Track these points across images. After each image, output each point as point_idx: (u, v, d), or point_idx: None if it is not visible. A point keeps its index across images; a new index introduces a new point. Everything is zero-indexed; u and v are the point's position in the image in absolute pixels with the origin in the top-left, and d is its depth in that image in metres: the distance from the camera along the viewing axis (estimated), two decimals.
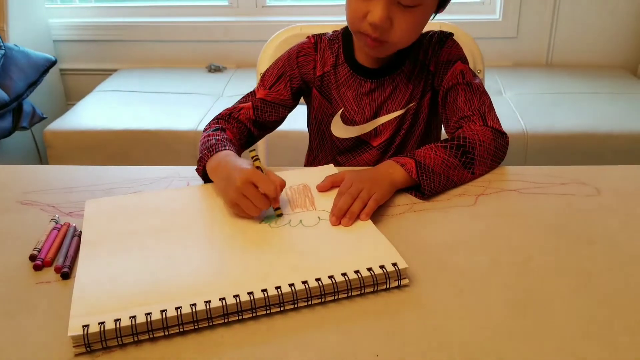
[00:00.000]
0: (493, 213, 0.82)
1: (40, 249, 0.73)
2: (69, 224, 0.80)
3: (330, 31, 1.09)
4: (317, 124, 1.10)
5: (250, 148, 1.01)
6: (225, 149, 0.88)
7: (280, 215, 0.79)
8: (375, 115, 1.05)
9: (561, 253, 0.73)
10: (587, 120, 1.88)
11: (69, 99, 2.55)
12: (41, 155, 2.20)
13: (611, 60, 2.39)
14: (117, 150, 1.92)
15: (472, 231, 0.78)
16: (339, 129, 1.07)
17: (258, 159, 0.83)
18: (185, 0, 2.52)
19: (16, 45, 2.01)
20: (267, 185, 0.77)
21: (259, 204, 0.77)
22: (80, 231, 0.77)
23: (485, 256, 0.72)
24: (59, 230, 0.78)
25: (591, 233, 0.77)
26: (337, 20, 1.17)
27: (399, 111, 1.04)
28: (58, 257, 0.72)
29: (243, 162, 0.82)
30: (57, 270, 0.70)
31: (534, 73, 2.32)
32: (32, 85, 1.99)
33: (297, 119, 1.15)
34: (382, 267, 0.66)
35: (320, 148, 1.13)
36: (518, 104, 2.01)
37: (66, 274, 0.69)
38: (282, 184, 0.80)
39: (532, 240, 0.75)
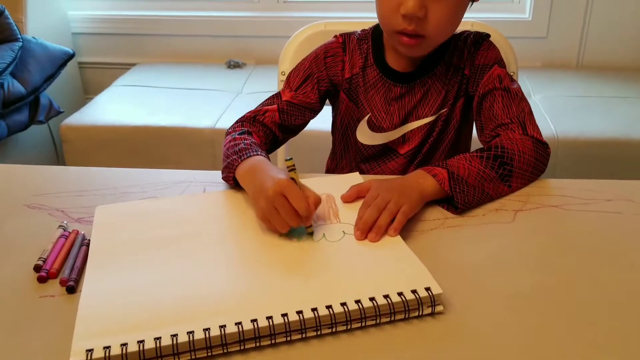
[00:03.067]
0: (534, 231, 0.76)
1: (46, 259, 0.69)
2: (77, 232, 0.75)
3: (356, 29, 1.03)
4: (343, 128, 1.05)
5: (288, 157, 0.95)
6: (258, 154, 0.82)
7: (311, 233, 0.72)
8: (404, 122, 0.98)
9: (608, 278, 0.66)
10: (620, 125, 1.80)
11: (87, 92, 2.52)
12: (57, 150, 2.18)
13: None
14: (134, 146, 1.89)
15: (511, 251, 0.72)
16: (365, 136, 1.01)
17: (294, 169, 0.74)
18: None
19: (34, 38, 1.98)
20: (299, 202, 0.70)
21: (290, 219, 0.70)
22: (89, 240, 0.73)
23: (526, 280, 0.66)
24: (66, 239, 0.73)
25: None
26: (362, 17, 1.11)
27: (430, 117, 0.97)
28: (64, 269, 0.68)
29: (278, 172, 0.75)
30: (63, 283, 0.66)
31: (563, 75, 2.25)
32: (50, 78, 1.95)
33: (318, 118, 1.09)
34: (414, 291, 0.60)
35: (344, 154, 1.08)
36: (547, 107, 1.94)
37: (72, 288, 0.65)
38: (317, 201, 0.72)
39: (576, 263, 0.69)
